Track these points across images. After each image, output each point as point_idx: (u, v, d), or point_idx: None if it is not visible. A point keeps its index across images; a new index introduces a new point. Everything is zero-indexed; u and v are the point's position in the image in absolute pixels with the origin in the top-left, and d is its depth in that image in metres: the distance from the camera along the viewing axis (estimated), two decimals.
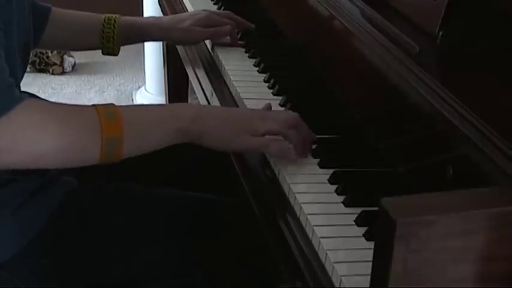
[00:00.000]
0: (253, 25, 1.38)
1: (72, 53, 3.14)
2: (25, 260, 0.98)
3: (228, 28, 1.32)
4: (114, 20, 1.29)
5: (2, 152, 0.84)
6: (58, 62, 3.09)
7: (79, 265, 1.02)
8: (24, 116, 0.85)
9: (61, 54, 3.10)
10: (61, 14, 1.28)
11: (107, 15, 1.30)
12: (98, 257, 1.02)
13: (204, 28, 1.31)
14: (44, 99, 1.12)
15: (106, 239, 1.03)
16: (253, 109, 1.07)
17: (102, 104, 0.92)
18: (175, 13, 1.62)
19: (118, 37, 1.29)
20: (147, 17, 1.38)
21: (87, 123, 0.89)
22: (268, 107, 1.05)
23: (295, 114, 0.98)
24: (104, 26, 1.29)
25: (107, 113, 0.89)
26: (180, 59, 1.52)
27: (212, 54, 1.34)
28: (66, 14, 1.29)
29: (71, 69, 3.12)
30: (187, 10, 1.58)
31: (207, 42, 1.37)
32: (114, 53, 1.32)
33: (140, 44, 2.82)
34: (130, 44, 1.38)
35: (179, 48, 1.54)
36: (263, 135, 0.95)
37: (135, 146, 0.93)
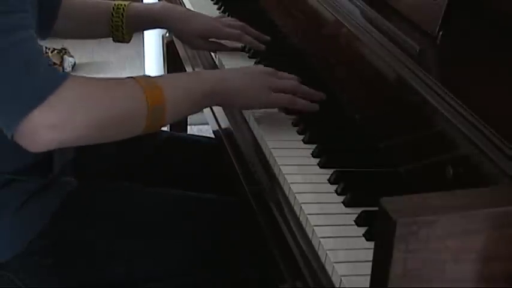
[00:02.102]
0: (268, 37, 1.33)
1: (72, 53, 3.15)
2: (26, 260, 0.98)
3: (228, 47, 1.30)
4: (123, 9, 1.29)
5: (58, 128, 0.85)
6: (58, 62, 3.09)
7: (80, 265, 1.02)
8: (74, 91, 0.86)
9: (61, 54, 3.10)
10: (72, 3, 1.28)
11: (117, 2, 1.30)
12: (99, 257, 1.02)
13: (207, 40, 1.29)
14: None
15: (106, 239, 1.03)
16: (258, 66, 1.16)
17: (140, 76, 0.94)
18: None
19: (127, 25, 1.29)
20: (156, 4, 1.36)
21: (134, 93, 0.92)
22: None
23: (295, 76, 1.09)
24: (113, 14, 1.29)
25: (148, 83, 0.92)
26: (180, 59, 1.52)
27: (212, 54, 1.34)
28: (76, 2, 1.29)
29: (71, 69, 3.12)
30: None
31: None
32: (125, 40, 1.32)
33: (140, 44, 2.82)
34: (140, 31, 1.38)
35: (179, 48, 1.54)
36: (281, 91, 1.03)
37: (175, 112, 0.96)
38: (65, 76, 0.87)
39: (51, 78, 0.85)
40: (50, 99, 0.83)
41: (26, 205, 0.99)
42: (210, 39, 1.28)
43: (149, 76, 0.96)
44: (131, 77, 0.94)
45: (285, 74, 1.08)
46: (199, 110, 1.04)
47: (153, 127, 0.93)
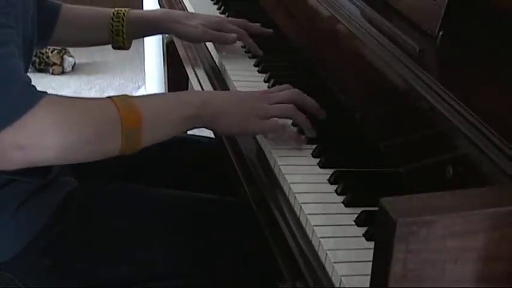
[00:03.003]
0: (270, 30, 1.35)
1: (72, 53, 3.15)
2: (26, 260, 0.98)
3: (233, 37, 1.29)
4: (123, 14, 1.29)
5: (29, 149, 0.84)
6: (58, 62, 3.09)
7: (79, 265, 1.02)
8: (48, 112, 0.85)
9: (61, 54, 3.10)
10: (71, 10, 1.28)
11: (116, 9, 1.29)
12: (98, 257, 1.02)
13: (208, 29, 1.29)
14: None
15: (106, 239, 1.03)
16: (256, 91, 1.08)
17: (117, 96, 0.92)
18: None
19: (127, 31, 1.29)
20: (156, 10, 1.36)
21: (108, 116, 0.90)
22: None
23: (297, 91, 1.02)
24: (113, 20, 1.28)
25: (124, 105, 0.90)
26: (180, 59, 1.52)
27: (212, 54, 1.34)
28: (75, 10, 1.29)
29: (71, 69, 3.13)
30: (187, 10, 1.58)
31: (208, 42, 1.37)
32: (125, 47, 1.32)
33: (140, 44, 2.82)
34: (141, 37, 1.37)
35: (179, 48, 1.54)
36: (272, 117, 0.99)
37: (152, 135, 0.94)
38: (40, 96, 0.85)
39: (25, 98, 0.84)
40: (22, 120, 0.82)
41: (25, 205, 0.98)
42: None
43: (129, 97, 0.93)
44: (109, 97, 0.92)
45: (279, 94, 1.02)
46: (182, 132, 1.02)
47: (130, 148, 0.91)
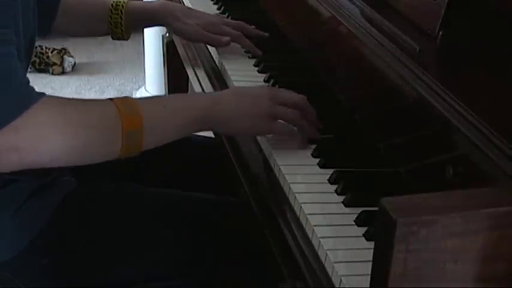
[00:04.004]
0: (266, 34, 1.35)
1: (72, 53, 3.15)
2: (25, 260, 0.98)
3: (226, 40, 1.28)
4: (122, 6, 1.29)
5: (24, 151, 0.83)
6: (58, 62, 3.09)
7: (79, 265, 1.02)
8: (45, 113, 0.84)
9: (61, 54, 3.10)
10: (70, 1, 1.28)
11: (115, 0, 1.30)
12: (98, 257, 1.02)
13: (203, 30, 1.29)
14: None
15: (106, 239, 1.03)
16: (266, 87, 1.07)
17: (119, 98, 0.91)
18: None
19: (126, 23, 1.29)
20: (155, 1, 1.36)
21: (108, 118, 0.88)
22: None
23: (304, 97, 1.01)
24: (111, 11, 1.28)
25: (126, 107, 0.89)
26: (180, 59, 1.52)
27: (212, 54, 1.34)
28: (75, 0, 1.29)
29: (71, 69, 3.13)
30: None
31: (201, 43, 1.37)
32: (124, 38, 1.32)
33: (140, 44, 2.82)
34: (140, 29, 1.37)
35: (179, 48, 1.54)
36: (282, 119, 0.98)
37: (154, 137, 0.93)
38: (38, 97, 0.84)
39: (21, 99, 0.82)
40: (18, 121, 0.81)
41: (25, 205, 0.98)
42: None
43: (132, 99, 0.92)
44: (111, 99, 0.90)
45: (287, 95, 1.01)
46: (191, 133, 1.00)
47: (131, 151, 0.90)
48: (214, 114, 0.96)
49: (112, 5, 1.29)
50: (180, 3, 1.62)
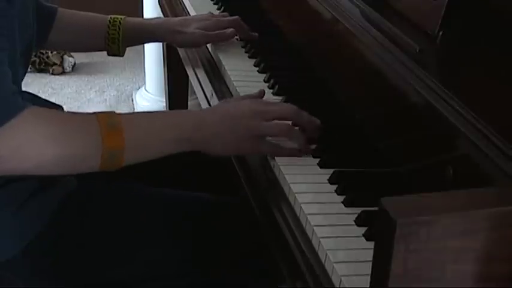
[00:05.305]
0: (256, 34, 1.36)
1: (72, 53, 3.15)
2: (26, 260, 0.98)
3: (231, 31, 1.30)
4: (120, 22, 1.28)
5: (3, 159, 0.83)
6: (58, 62, 3.09)
7: (79, 265, 1.02)
8: (27, 125, 0.84)
9: (61, 54, 3.10)
10: (67, 14, 1.28)
11: (113, 16, 1.29)
12: (98, 257, 1.02)
13: (206, 32, 1.29)
14: (44, 100, 1.12)
15: (106, 239, 1.03)
16: (251, 101, 1.01)
17: (104, 112, 0.90)
18: (175, 13, 1.63)
19: (123, 39, 1.29)
20: (153, 18, 1.37)
21: (89, 133, 0.88)
22: (261, 94, 1.06)
23: (293, 107, 0.98)
24: (109, 27, 1.29)
25: (109, 124, 0.88)
26: (180, 59, 1.52)
27: (212, 54, 1.34)
28: (72, 14, 1.29)
29: (70, 69, 3.12)
30: (187, 10, 1.58)
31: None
32: (120, 54, 1.32)
33: (140, 44, 2.82)
34: (136, 45, 1.37)
35: (179, 48, 1.54)
36: (268, 136, 0.96)
37: (136, 155, 0.92)
38: (22, 107, 0.84)
39: (5, 107, 0.82)
40: (0, 129, 0.81)
41: (25, 205, 0.98)
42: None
43: (117, 115, 0.91)
44: (95, 113, 0.90)
45: (275, 109, 0.96)
46: (173, 153, 0.96)
47: (110, 167, 0.90)
48: (198, 135, 0.94)
49: (109, 21, 1.29)
50: (181, 4, 1.63)
